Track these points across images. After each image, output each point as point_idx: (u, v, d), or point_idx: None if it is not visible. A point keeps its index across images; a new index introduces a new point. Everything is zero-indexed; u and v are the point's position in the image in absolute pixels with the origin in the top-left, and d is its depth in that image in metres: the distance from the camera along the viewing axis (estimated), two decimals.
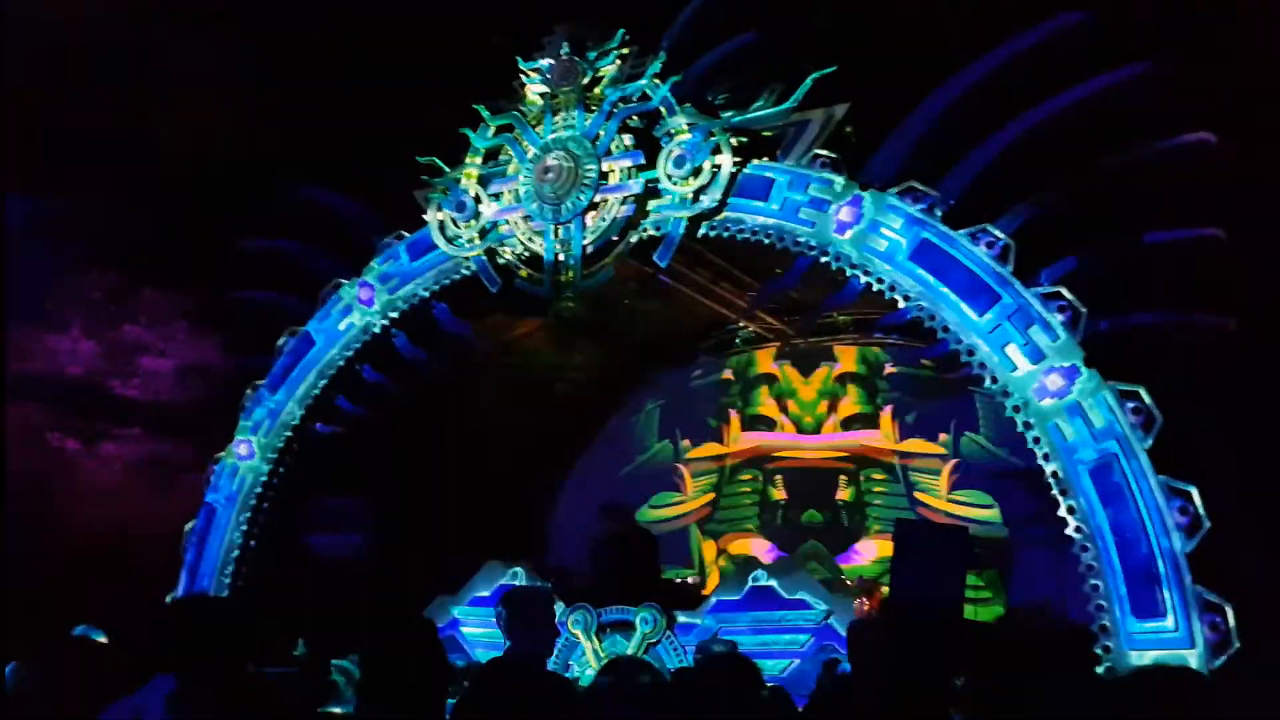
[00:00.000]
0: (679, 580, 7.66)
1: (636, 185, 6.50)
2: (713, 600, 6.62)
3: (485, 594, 7.16)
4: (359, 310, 7.52)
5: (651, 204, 6.52)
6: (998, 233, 5.68)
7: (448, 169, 7.18)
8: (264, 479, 7.62)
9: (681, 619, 6.54)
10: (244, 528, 7.57)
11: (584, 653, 6.55)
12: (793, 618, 6.28)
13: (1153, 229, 5.73)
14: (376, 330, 7.49)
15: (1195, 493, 5.01)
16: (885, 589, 6.95)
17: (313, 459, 7.79)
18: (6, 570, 7.32)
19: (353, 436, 7.89)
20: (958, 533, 5.72)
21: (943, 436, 8.15)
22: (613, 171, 6.61)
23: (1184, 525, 4.98)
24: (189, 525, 7.78)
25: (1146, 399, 5.19)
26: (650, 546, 7.38)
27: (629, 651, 6.32)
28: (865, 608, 6.50)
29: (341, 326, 7.59)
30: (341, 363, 7.58)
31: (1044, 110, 6.01)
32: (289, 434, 7.63)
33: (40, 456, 9.85)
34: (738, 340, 9.09)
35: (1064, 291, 5.48)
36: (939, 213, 5.82)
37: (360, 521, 8.01)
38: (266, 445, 7.65)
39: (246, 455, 7.68)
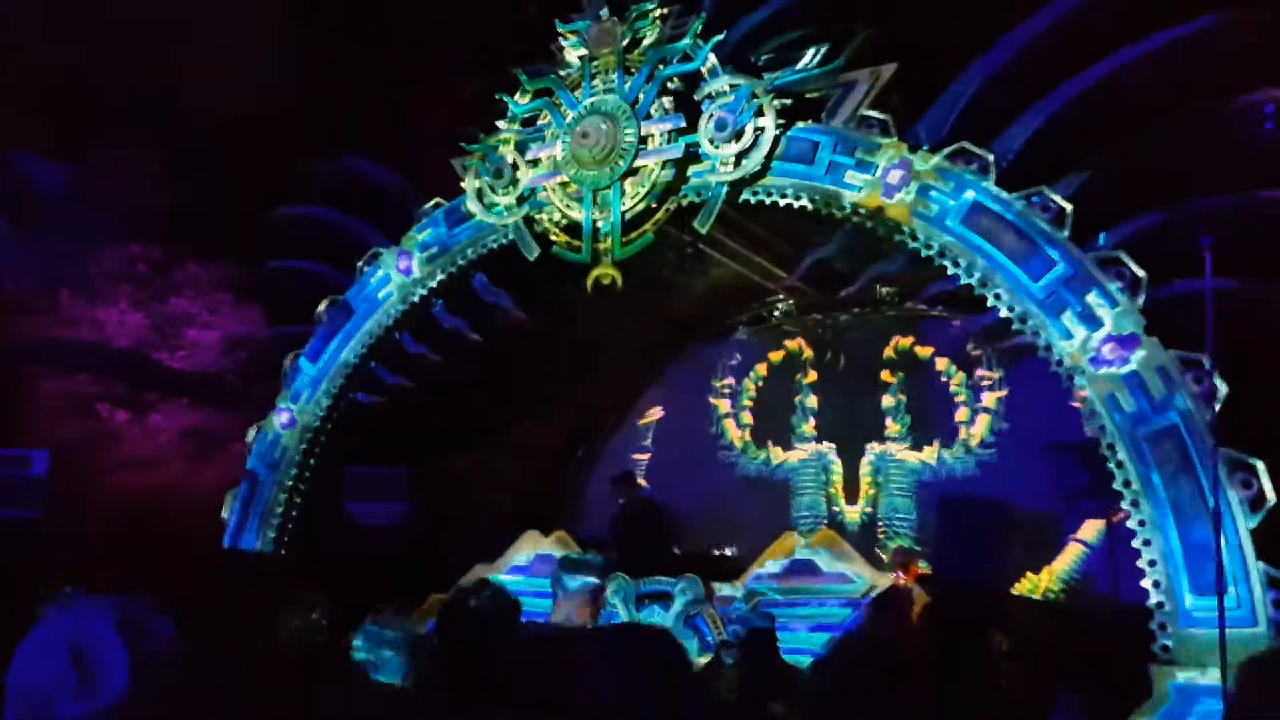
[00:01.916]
0: (718, 552, 7.58)
1: (676, 149, 6.34)
2: (753, 572, 6.53)
3: (524, 563, 7.14)
4: (398, 279, 7.49)
5: (692, 169, 6.36)
6: (1054, 196, 5.45)
7: (484, 135, 7.09)
8: (304, 447, 7.64)
9: (721, 591, 6.46)
10: (284, 495, 7.61)
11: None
12: (834, 591, 6.17)
13: (1222, 192, 5.44)
14: (415, 299, 7.45)
15: (1261, 466, 4.78)
16: (923, 563, 6.83)
17: (352, 428, 7.81)
18: (58, 540, 7.46)
19: (392, 406, 7.90)
20: (1002, 511, 5.58)
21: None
22: (652, 136, 6.45)
23: (1248, 500, 4.76)
24: (231, 492, 7.87)
25: (1210, 369, 4.96)
26: (656, 518, 7.33)
27: (669, 623, 6.26)
28: (902, 581, 6.37)
29: (380, 296, 7.56)
30: (381, 332, 7.55)
31: (1104, 67, 5.73)
32: (328, 403, 7.64)
33: (90, 427, 10.03)
34: (777, 312, 8.93)
35: (1123, 256, 5.24)
36: (992, 175, 5.60)
37: (398, 491, 8.02)
38: (306, 414, 7.68)
39: (287, 424, 7.72)
